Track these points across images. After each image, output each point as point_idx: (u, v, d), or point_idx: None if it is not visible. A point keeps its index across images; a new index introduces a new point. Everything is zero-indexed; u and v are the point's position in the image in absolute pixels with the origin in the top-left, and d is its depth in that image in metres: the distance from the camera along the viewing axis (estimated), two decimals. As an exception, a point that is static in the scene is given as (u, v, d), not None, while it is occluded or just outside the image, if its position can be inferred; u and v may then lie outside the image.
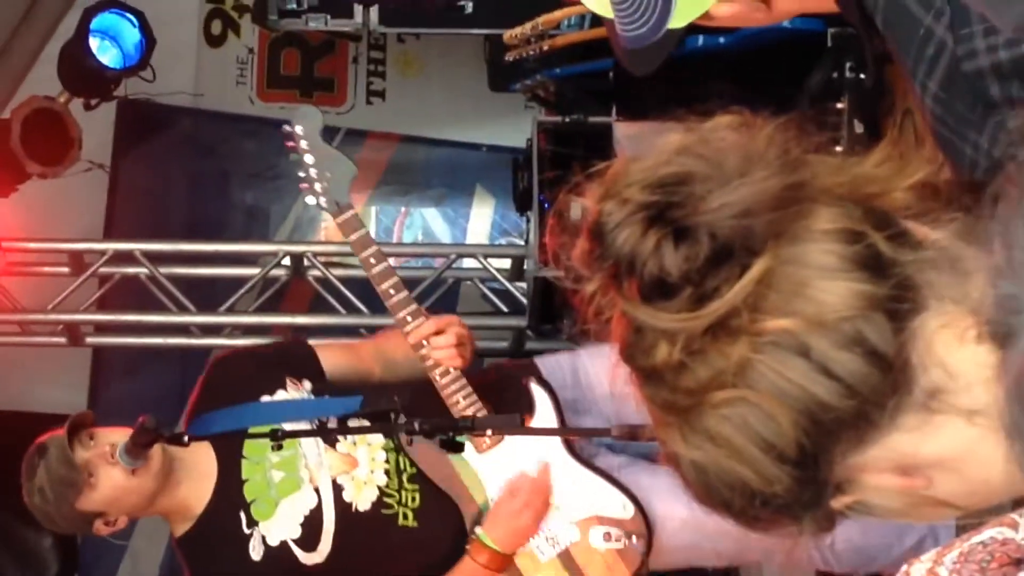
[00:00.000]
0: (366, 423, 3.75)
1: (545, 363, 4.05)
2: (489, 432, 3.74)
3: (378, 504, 3.76)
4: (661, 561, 3.91)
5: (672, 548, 3.86)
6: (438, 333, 3.79)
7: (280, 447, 3.70)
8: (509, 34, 4.89)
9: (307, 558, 3.73)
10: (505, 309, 6.38)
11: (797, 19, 4.46)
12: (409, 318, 3.80)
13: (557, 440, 3.83)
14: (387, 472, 3.78)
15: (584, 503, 3.80)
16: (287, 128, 3.89)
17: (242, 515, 3.74)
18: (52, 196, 6.55)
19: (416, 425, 3.61)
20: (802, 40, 4.78)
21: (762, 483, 1.31)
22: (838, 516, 1.37)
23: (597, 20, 2.15)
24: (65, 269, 6.43)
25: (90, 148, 6.45)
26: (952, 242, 1.29)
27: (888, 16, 1.84)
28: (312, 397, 3.84)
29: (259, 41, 8.14)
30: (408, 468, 3.79)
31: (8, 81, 6.34)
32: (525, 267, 6.04)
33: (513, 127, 7.02)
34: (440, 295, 6.35)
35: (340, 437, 3.77)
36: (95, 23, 6.05)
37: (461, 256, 6.50)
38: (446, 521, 3.79)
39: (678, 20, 1.88)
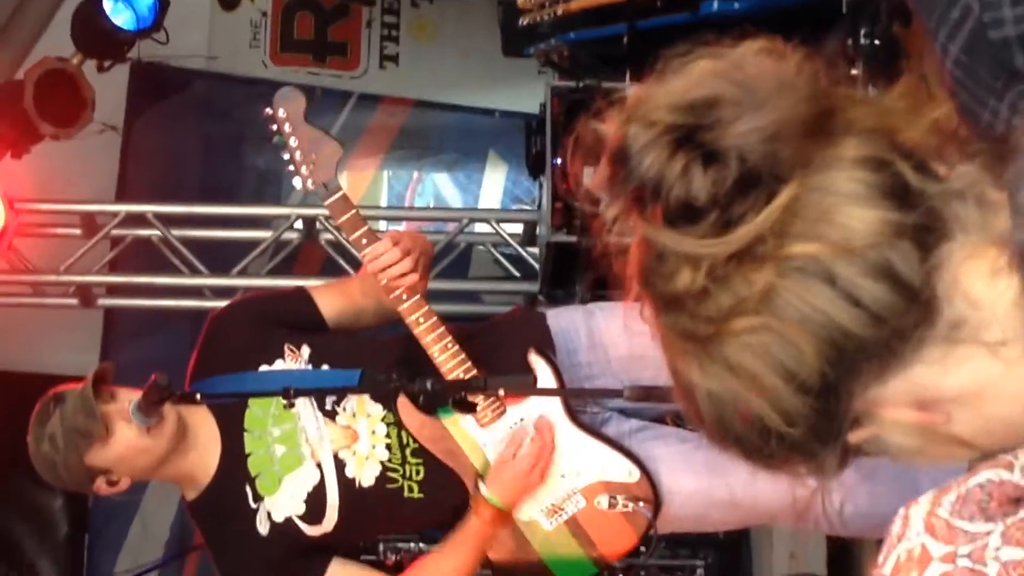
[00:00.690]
0: (367, 397, 3.76)
1: (560, 320, 4.00)
2: (501, 392, 3.72)
3: (382, 479, 3.75)
4: (668, 528, 3.90)
5: (680, 517, 3.85)
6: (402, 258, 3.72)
7: (288, 407, 3.69)
8: (523, -2, 4.88)
9: (313, 530, 3.73)
10: (517, 274, 6.38)
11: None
12: (405, 296, 3.77)
13: (560, 410, 3.81)
14: (389, 447, 3.77)
15: (589, 470, 3.79)
16: (269, 111, 3.84)
17: (248, 489, 3.74)
18: (65, 158, 6.56)
19: (428, 385, 3.61)
20: (817, 5, 4.77)
21: (780, 416, 1.29)
22: (851, 455, 1.36)
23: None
24: (77, 231, 6.44)
25: (103, 110, 6.45)
26: (976, 176, 1.28)
27: None
28: (310, 367, 3.83)
29: (273, 4, 8.14)
30: (411, 443, 3.78)
31: (21, 43, 6.33)
32: (538, 232, 6.04)
33: (527, 92, 7.00)
34: (452, 260, 6.36)
35: (340, 409, 3.76)
36: (109, -16, 6.05)
37: (473, 220, 6.50)
38: (452, 491, 3.78)
39: None
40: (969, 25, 1.74)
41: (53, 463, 3.66)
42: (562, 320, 4.01)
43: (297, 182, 3.86)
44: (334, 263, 6.28)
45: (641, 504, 3.75)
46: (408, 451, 3.78)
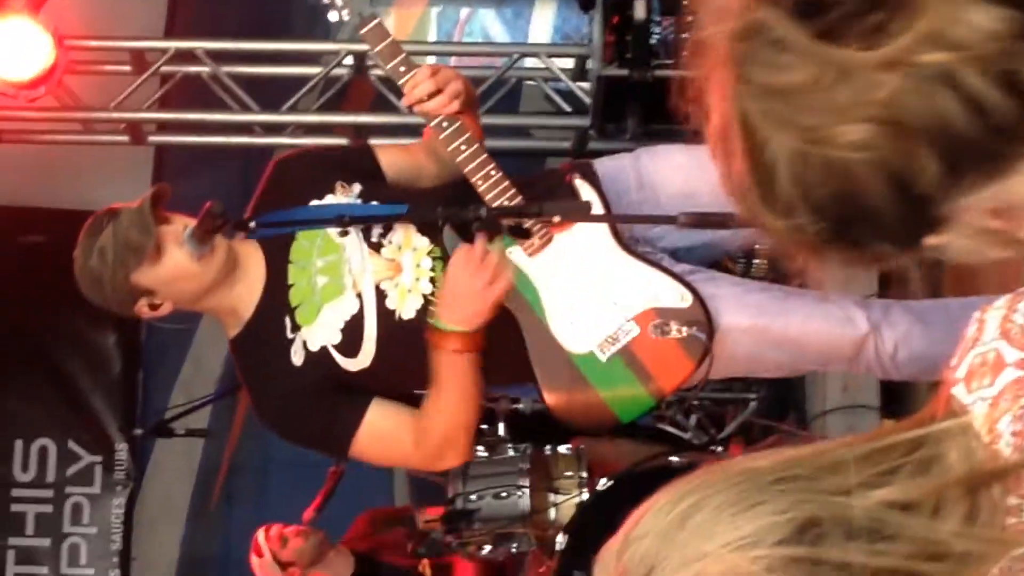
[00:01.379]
0: (413, 231, 3.75)
1: (606, 166, 3.98)
2: (556, 219, 3.69)
3: (423, 312, 3.73)
4: (722, 370, 3.89)
5: (733, 356, 3.82)
6: (437, 92, 3.71)
7: (343, 235, 3.68)
8: None
9: (349, 363, 3.72)
10: (568, 109, 6.32)
11: None
12: (445, 124, 3.74)
13: (608, 237, 3.77)
14: (433, 280, 3.75)
15: (640, 297, 3.75)
16: None
17: (287, 320, 3.74)
18: (113, -7, 6.52)
19: (483, 212, 3.59)
20: None
21: (875, 200, 1.28)
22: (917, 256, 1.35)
23: None
24: (127, 68, 6.41)
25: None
26: None
27: None
28: (359, 202, 3.82)
29: None
30: None
31: None
32: (589, 66, 5.97)
33: (577, -75, 6.89)
34: (502, 95, 6.30)
35: (385, 242, 3.75)
36: None
37: (524, 56, 6.43)
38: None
39: None
40: None
41: (99, 277, 3.66)
42: (608, 166, 3.98)
43: (332, 15, 3.85)
44: (384, 99, 6.23)
45: (695, 328, 3.72)
46: None
